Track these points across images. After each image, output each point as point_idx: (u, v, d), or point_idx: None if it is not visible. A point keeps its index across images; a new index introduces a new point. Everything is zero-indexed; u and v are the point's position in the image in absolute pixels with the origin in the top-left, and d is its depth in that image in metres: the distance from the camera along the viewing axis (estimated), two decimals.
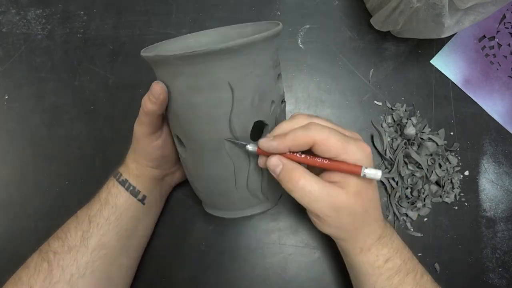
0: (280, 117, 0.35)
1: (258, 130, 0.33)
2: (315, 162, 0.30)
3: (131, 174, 0.38)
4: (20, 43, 0.50)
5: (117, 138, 0.48)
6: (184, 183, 0.46)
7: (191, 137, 0.32)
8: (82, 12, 0.51)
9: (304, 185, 0.29)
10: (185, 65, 0.28)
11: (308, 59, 0.51)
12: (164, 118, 0.37)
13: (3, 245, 0.45)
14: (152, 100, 0.32)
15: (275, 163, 0.30)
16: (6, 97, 0.49)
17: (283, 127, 0.31)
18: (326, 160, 0.30)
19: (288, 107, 0.49)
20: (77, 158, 0.47)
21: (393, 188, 0.47)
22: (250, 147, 0.31)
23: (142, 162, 0.38)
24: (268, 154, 0.31)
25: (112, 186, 0.38)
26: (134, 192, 0.38)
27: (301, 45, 0.51)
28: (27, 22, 0.51)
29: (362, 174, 0.29)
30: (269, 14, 0.52)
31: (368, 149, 0.31)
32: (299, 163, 0.31)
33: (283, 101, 0.36)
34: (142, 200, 0.39)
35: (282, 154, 0.30)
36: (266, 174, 0.35)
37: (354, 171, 0.29)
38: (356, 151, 0.30)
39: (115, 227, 0.37)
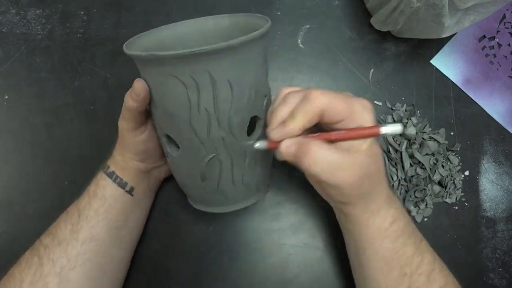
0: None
1: (251, 125, 0.34)
2: (331, 136, 0.29)
3: (118, 166, 0.39)
4: (20, 43, 0.50)
5: (117, 138, 0.48)
6: None
7: (187, 136, 0.32)
8: (82, 12, 0.51)
9: (324, 157, 0.28)
10: (183, 64, 0.28)
11: (308, 59, 0.51)
12: (148, 114, 0.37)
13: (3, 245, 0.45)
14: (133, 97, 0.32)
15: (288, 144, 0.29)
16: (6, 97, 0.49)
17: (282, 111, 0.30)
18: (342, 131, 0.29)
19: None
20: (77, 158, 0.47)
21: (401, 186, 0.47)
22: (259, 144, 0.31)
23: (128, 155, 0.39)
24: (277, 146, 0.30)
25: (100, 179, 0.38)
26: (121, 184, 0.38)
27: (301, 45, 0.51)
28: (27, 22, 0.51)
29: (381, 132, 0.29)
30: (269, 14, 0.52)
31: (368, 103, 0.30)
32: None
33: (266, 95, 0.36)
34: (130, 192, 0.39)
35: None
36: (259, 166, 0.35)
37: (374, 132, 0.29)
38: (359, 108, 0.29)
39: (104, 218, 0.37)
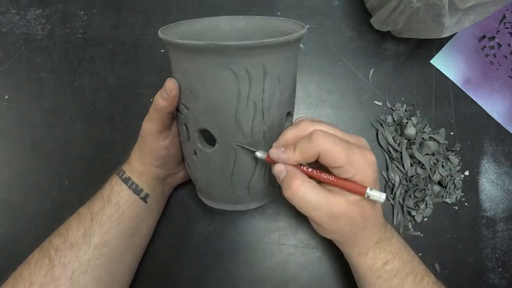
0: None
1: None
2: (321, 178, 0.31)
3: (135, 171, 0.38)
4: (20, 43, 0.50)
5: (117, 138, 0.48)
6: (184, 183, 0.46)
7: (229, 130, 0.32)
8: (82, 12, 0.51)
9: (304, 194, 0.30)
10: (241, 56, 0.28)
11: (308, 59, 0.51)
12: (173, 118, 0.37)
13: (3, 245, 0.45)
14: (164, 96, 0.33)
15: (280, 169, 0.31)
16: (6, 97, 0.49)
17: (288, 135, 0.32)
18: (331, 177, 0.31)
19: None
20: (77, 158, 0.47)
21: (400, 186, 0.47)
22: (259, 154, 0.32)
23: (147, 160, 0.38)
24: (272, 163, 0.32)
25: (114, 184, 0.38)
26: (136, 190, 0.38)
27: (301, 45, 0.51)
28: (27, 22, 0.51)
29: (366, 195, 0.30)
30: (269, 14, 0.52)
31: (372, 158, 0.31)
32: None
33: None
34: (144, 199, 0.39)
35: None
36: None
37: (359, 191, 0.30)
38: (360, 161, 0.30)
39: (117, 225, 0.37)
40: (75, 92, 0.49)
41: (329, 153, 0.29)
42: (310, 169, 0.31)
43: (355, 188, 0.30)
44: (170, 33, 0.34)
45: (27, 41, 0.50)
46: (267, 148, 0.33)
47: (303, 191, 0.30)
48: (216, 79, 0.30)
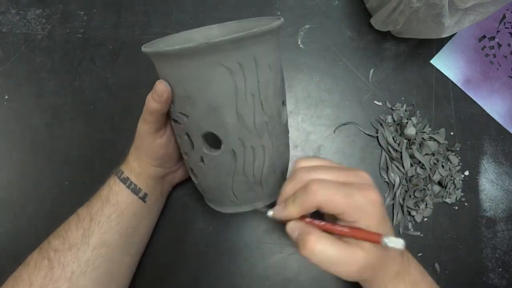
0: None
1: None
2: (335, 230, 0.30)
3: (133, 172, 0.38)
4: (20, 43, 0.50)
5: (117, 138, 0.48)
6: (184, 183, 0.46)
7: (233, 127, 0.32)
8: (82, 12, 0.51)
9: (322, 251, 0.28)
10: (232, 50, 0.28)
11: (308, 59, 0.51)
12: (168, 116, 0.36)
13: (3, 245, 0.45)
14: (155, 99, 0.32)
15: (292, 227, 0.30)
16: (6, 97, 0.49)
17: (287, 189, 0.31)
18: (345, 228, 0.29)
19: (288, 107, 0.50)
20: (77, 158, 0.47)
21: (401, 186, 0.47)
22: (271, 213, 0.32)
23: (145, 160, 0.38)
24: (284, 222, 0.31)
25: (113, 184, 0.38)
26: (135, 190, 0.38)
27: (301, 45, 0.51)
28: (27, 22, 0.51)
29: (382, 244, 0.28)
30: (269, 14, 0.52)
31: (375, 196, 0.29)
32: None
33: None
34: (143, 198, 0.39)
35: (300, 218, 0.30)
36: (287, 150, 0.38)
37: (374, 240, 0.28)
38: (362, 203, 0.28)
39: (116, 225, 0.37)
40: (75, 92, 0.49)
41: (328, 203, 0.28)
42: (322, 223, 0.30)
43: (371, 238, 0.28)
44: (165, 45, 0.34)
45: (27, 41, 0.50)
46: (271, 137, 0.33)
47: (320, 248, 0.28)
48: (211, 79, 0.30)
